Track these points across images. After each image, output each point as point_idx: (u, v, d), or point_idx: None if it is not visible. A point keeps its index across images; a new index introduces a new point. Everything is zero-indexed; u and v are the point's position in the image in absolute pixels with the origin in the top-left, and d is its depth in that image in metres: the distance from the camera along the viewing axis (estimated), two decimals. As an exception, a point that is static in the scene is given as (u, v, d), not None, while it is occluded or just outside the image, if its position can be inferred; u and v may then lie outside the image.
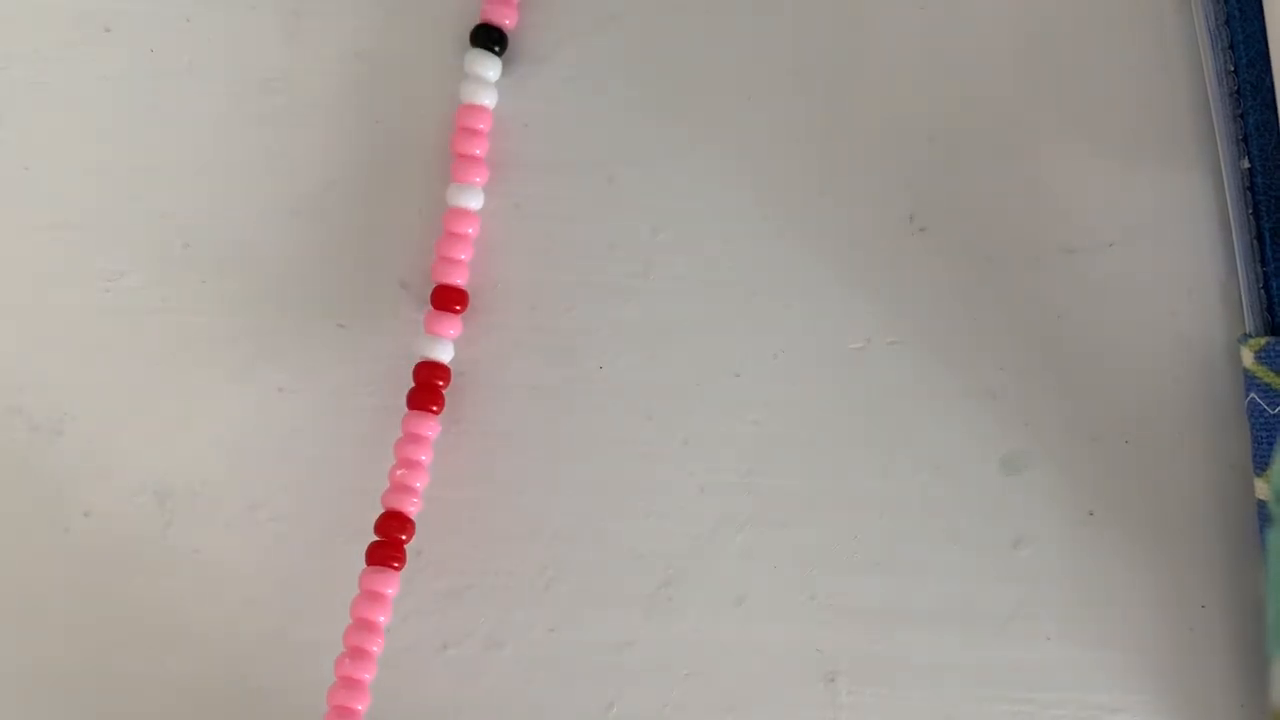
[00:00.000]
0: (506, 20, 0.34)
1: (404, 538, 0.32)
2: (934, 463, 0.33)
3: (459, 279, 0.33)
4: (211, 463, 0.33)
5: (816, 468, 0.33)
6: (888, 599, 0.33)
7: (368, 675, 0.31)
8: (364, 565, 0.32)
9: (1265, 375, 0.32)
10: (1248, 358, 0.32)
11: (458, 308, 0.33)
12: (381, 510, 0.32)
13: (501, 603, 0.33)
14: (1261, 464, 0.31)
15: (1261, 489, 0.31)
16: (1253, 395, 0.32)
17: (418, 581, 0.33)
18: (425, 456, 0.32)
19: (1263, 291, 0.32)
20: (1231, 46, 0.33)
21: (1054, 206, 0.33)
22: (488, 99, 0.33)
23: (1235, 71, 0.33)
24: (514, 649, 0.33)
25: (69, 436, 0.34)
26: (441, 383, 0.33)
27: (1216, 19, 0.33)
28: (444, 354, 0.33)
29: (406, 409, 0.32)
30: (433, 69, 0.34)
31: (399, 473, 0.32)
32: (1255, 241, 0.32)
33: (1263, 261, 0.32)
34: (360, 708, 0.31)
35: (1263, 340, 0.32)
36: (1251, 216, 0.32)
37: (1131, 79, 0.34)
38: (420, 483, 0.32)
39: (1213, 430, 0.33)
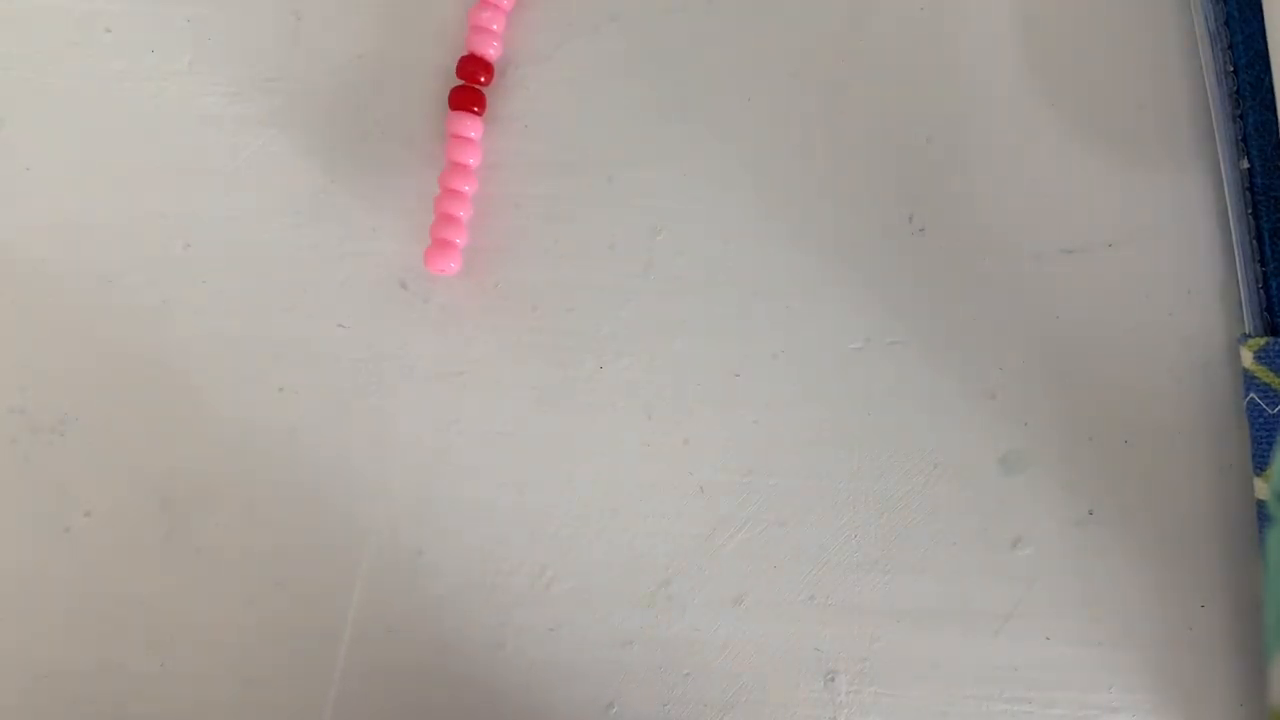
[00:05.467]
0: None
1: (483, 79, 0.34)
2: (933, 462, 0.33)
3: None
4: (212, 463, 0.33)
5: (816, 468, 0.33)
6: (887, 598, 0.33)
7: (463, 213, 0.33)
8: (449, 110, 0.34)
9: (1265, 375, 0.32)
10: (1247, 358, 0.32)
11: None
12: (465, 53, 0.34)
13: (501, 603, 0.33)
14: (1261, 464, 0.31)
15: (1261, 489, 0.31)
16: (1252, 395, 0.32)
17: (418, 581, 0.33)
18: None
19: (1262, 291, 0.32)
20: (1231, 46, 0.33)
21: (1054, 206, 0.33)
22: None
23: (1235, 71, 0.33)
24: (514, 649, 0.33)
25: (69, 436, 0.34)
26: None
27: (1216, 19, 0.33)
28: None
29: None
30: (432, 69, 0.34)
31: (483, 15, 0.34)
32: (1255, 241, 0.32)
33: (1262, 261, 0.32)
34: (459, 241, 0.33)
35: (1262, 340, 0.32)
36: (1251, 216, 0.32)
37: (1131, 79, 0.34)
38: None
39: (1213, 430, 0.33)
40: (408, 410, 0.33)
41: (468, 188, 0.33)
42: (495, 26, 0.34)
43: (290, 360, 0.34)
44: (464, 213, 0.33)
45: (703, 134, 0.34)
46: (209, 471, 0.33)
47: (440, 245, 0.33)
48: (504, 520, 0.33)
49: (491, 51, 0.34)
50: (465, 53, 0.34)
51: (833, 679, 0.32)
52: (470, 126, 0.33)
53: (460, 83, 0.34)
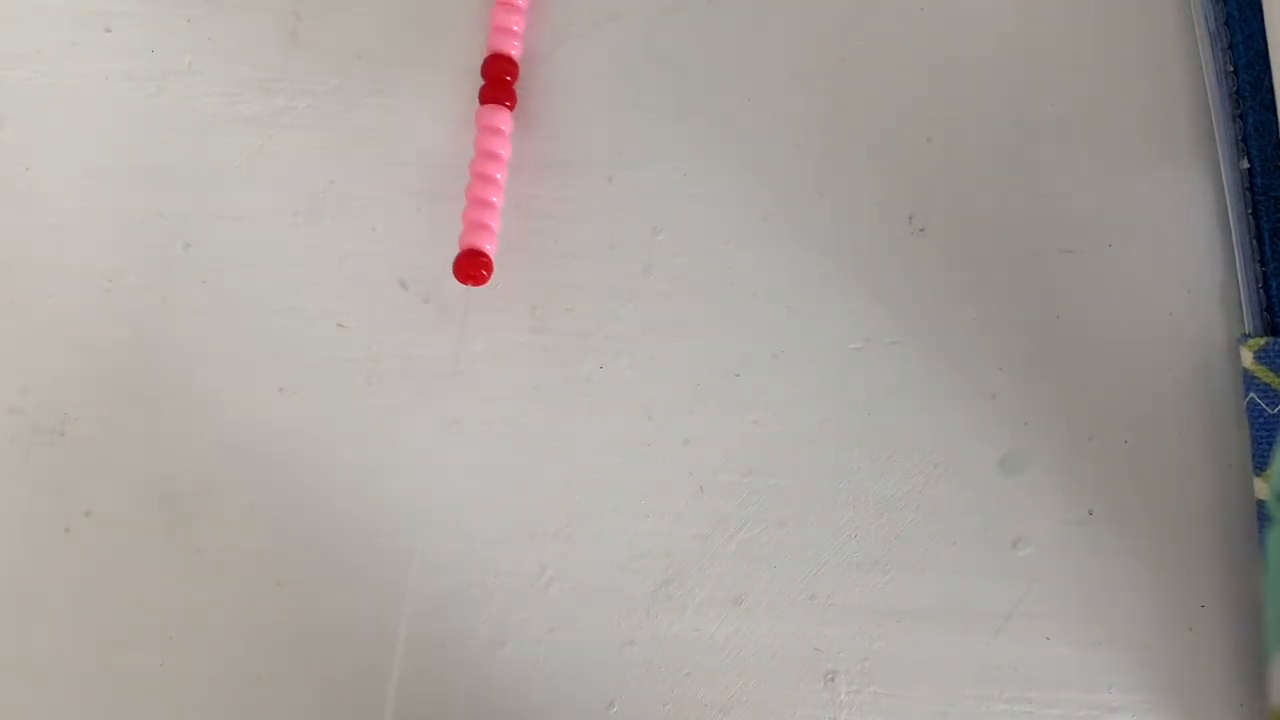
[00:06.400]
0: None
1: (509, 79, 0.34)
2: (933, 463, 0.33)
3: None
4: (211, 463, 0.33)
5: (816, 468, 0.33)
6: (887, 598, 0.33)
7: (496, 198, 0.33)
8: (478, 105, 0.34)
9: (1265, 375, 0.32)
10: (1247, 358, 0.32)
11: None
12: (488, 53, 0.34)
13: (501, 603, 0.33)
14: (1261, 464, 0.31)
15: (1261, 489, 0.31)
16: (1252, 395, 0.32)
17: (418, 581, 0.33)
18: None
19: (1262, 291, 0.32)
20: (1231, 46, 0.33)
21: (1053, 206, 0.33)
22: None
23: (1235, 72, 0.33)
24: (514, 649, 0.33)
25: (69, 436, 0.34)
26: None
27: (1216, 19, 0.33)
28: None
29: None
30: (431, 70, 0.34)
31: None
32: (1255, 241, 0.32)
33: (1262, 261, 0.32)
34: (493, 224, 0.33)
35: (1262, 340, 0.32)
36: (1251, 216, 0.32)
37: (1131, 79, 0.34)
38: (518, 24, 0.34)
39: (1213, 430, 0.33)
40: (408, 410, 0.33)
41: (496, 198, 0.33)
42: (516, 27, 0.34)
43: (290, 360, 0.34)
44: (495, 222, 0.33)
45: (703, 134, 0.34)
46: (209, 471, 0.33)
47: (471, 255, 0.33)
48: (503, 520, 0.33)
49: (514, 50, 0.34)
50: (489, 51, 0.34)
51: (833, 679, 0.32)
52: (501, 143, 0.33)
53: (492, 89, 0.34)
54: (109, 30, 0.35)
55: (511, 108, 0.34)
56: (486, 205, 0.33)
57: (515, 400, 0.33)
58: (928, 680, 0.32)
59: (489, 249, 0.33)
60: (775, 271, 0.33)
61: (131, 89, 0.35)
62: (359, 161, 0.34)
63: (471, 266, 0.33)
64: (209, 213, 0.34)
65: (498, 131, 0.33)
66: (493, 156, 0.33)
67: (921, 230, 0.33)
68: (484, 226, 0.33)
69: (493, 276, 0.33)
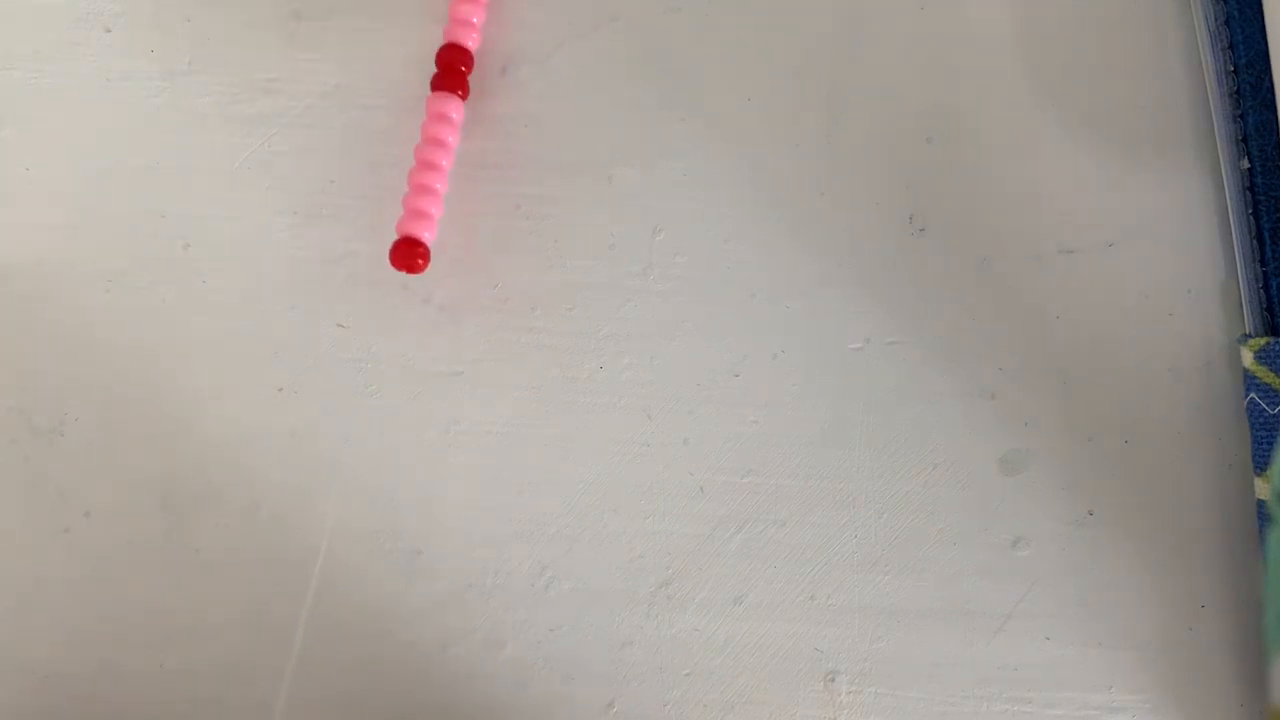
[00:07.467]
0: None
1: (464, 68, 0.34)
2: (933, 463, 0.33)
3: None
4: (211, 463, 0.33)
5: (816, 468, 0.33)
6: (887, 598, 0.33)
7: (440, 186, 0.33)
8: (430, 92, 0.33)
9: (1265, 375, 0.32)
10: (1248, 358, 0.32)
11: None
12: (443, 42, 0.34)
13: (501, 603, 0.33)
14: (1261, 464, 0.31)
15: (1261, 489, 0.31)
16: (1253, 395, 0.32)
17: (418, 581, 0.33)
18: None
19: (1263, 291, 0.32)
20: (1231, 46, 0.33)
21: (1054, 206, 0.33)
22: None
23: (1235, 71, 0.33)
24: (514, 649, 0.33)
25: (69, 436, 0.34)
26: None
27: (1216, 19, 0.33)
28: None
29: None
30: (431, 70, 0.34)
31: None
32: (1255, 241, 0.32)
33: (1263, 261, 0.32)
34: (434, 212, 0.33)
35: (1263, 340, 0.32)
36: (1251, 216, 0.32)
37: (1131, 79, 0.34)
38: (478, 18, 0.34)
39: (1213, 430, 0.33)
40: (408, 410, 0.33)
41: (440, 185, 0.33)
42: (475, 19, 0.34)
43: (290, 360, 0.34)
44: (435, 209, 0.33)
45: (703, 134, 0.34)
46: (208, 471, 0.33)
47: (407, 243, 0.33)
48: (504, 520, 0.33)
49: (470, 43, 0.34)
50: (444, 42, 0.34)
51: (833, 679, 0.32)
52: (449, 130, 0.33)
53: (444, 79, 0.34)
54: (109, 30, 0.35)
55: (464, 97, 0.33)
56: (428, 192, 0.33)
57: (515, 400, 0.33)
58: (928, 680, 0.32)
59: (426, 236, 0.33)
60: (775, 271, 0.33)
61: (131, 89, 0.35)
62: (359, 161, 0.34)
63: (408, 255, 0.33)
64: (209, 213, 0.34)
65: (445, 119, 0.33)
66: (439, 143, 0.33)
67: (921, 230, 0.33)
68: (423, 214, 0.33)
69: (496, 278, 0.33)
